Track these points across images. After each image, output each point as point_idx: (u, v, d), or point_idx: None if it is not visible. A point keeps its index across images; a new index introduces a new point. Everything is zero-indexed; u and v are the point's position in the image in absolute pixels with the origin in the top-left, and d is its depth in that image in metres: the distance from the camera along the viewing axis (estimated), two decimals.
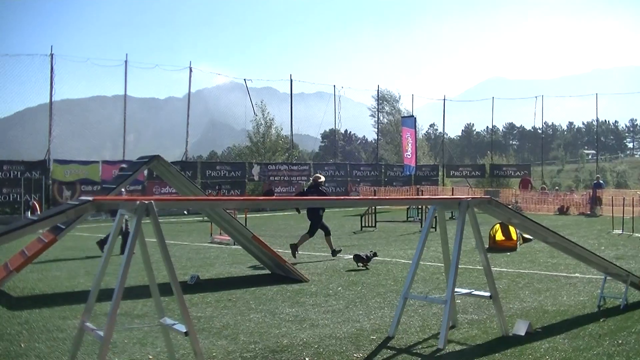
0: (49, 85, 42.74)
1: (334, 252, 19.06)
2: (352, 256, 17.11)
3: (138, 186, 41.40)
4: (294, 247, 18.71)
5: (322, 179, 20.31)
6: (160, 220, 7.06)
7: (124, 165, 21.60)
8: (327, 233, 19.32)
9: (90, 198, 6.90)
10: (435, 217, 12.98)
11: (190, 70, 49.15)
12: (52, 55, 42.42)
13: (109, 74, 49.24)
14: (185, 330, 7.04)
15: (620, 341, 8.90)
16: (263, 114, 59.42)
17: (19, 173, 38.57)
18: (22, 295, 13.00)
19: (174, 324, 7.36)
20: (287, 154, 58.37)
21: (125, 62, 45.87)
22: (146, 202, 6.88)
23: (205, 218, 25.29)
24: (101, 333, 6.72)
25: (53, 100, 43.01)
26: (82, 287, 13.76)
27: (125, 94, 46.66)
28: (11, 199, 38.53)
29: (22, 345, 8.88)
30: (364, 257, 16.33)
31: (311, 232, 19.15)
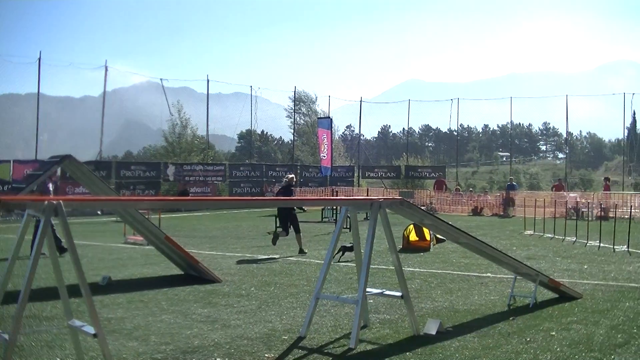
0: None
1: (302, 251, 19.59)
2: (265, 257, 17.08)
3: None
4: (300, 251, 19.60)
5: (294, 179, 22.15)
6: (73, 221, 6.98)
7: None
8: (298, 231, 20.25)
9: None
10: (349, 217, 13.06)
11: (106, 69, 48.68)
12: None
13: (22, 71, 48.45)
14: (93, 332, 6.95)
15: (528, 339, 9.07)
16: (179, 114, 59.04)
17: None
18: None
19: (83, 325, 7.27)
20: (202, 155, 58.11)
21: (39, 59, 45.17)
22: (54, 202, 6.78)
23: (119, 219, 25.08)
24: (6, 336, 6.61)
25: None
26: None
27: (38, 92, 45.93)
28: None
29: None
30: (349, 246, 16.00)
31: (286, 229, 20.42)
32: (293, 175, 20.77)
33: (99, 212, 38.52)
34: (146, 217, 15.90)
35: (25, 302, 6.73)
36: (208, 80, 54.60)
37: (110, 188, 16.23)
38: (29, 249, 7.99)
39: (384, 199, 9.71)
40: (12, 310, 9.51)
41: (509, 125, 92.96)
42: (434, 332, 9.35)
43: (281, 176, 52.92)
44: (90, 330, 7.01)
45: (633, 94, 58.89)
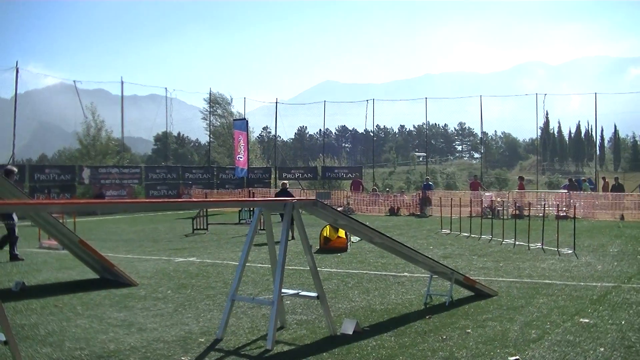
0: None
1: None
2: (182, 259, 17.00)
3: None
4: None
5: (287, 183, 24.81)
6: None
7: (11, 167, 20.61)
8: None
9: None
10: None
11: (17, 71, 47.85)
12: None
13: None
14: (4, 339, 6.84)
15: (444, 336, 9.17)
16: (93, 116, 58.34)
17: None
18: None
19: None
20: (118, 157, 57.57)
21: None
22: None
23: (33, 223, 24.72)
24: None
25: None
26: None
27: None
28: None
29: None
30: None
31: None
32: (285, 182, 22.21)
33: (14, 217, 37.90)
34: (60, 221, 15.69)
35: None
36: (122, 82, 54.19)
37: (22, 192, 15.95)
38: None
39: (297, 199, 9.73)
40: None
41: (424, 126, 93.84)
42: (350, 332, 9.38)
43: (198, 178, 53.02)
44: (1, 337, 6.89)
45: (545, 94, 59.92)
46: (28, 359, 8.16)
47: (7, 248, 19.11)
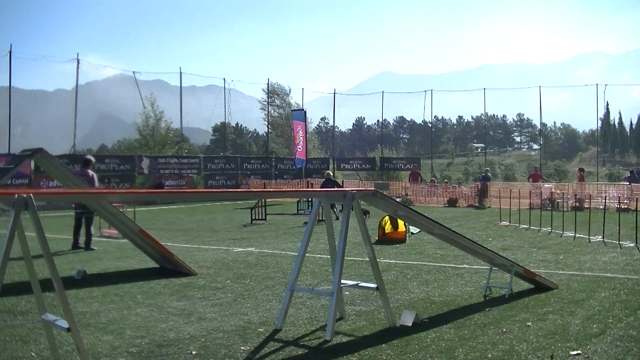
0: None
1: None
2: (240, 249, 17.07)
3: (25, 180, 40.57)
4: None
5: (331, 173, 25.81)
6: (47, 215, 6.91)
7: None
8: None
9: None
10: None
11: (78, 62, 48.40)
12: None
13: None
14: (67, 326, 6.89)
15: (504, 329, 9.04)
16: (152, 107, 58.82)
17: None
18: None
19: (56, 319, 7.20)
20: (177, 147, 57.96)
21: (10, 52, 44.83)
22: (25, 195, 6.71)
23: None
24: None
25: None
26: None
27: (10, 85, 45.57)
28: None
29: None
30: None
31: None
32: (330, 171, 22.92)
33: (73, 206, 38.36)
34: (120, 210, 15.81)
35: None
36: (181, 73, 54.60)
37: (83, 181, 16.11)
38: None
39: (357, 190, 9.67)
40: None
41: (483, 117, 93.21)
42: (409, 324, 9.31)
43: (256, 168, 53.10)
44: (64, 324, 6.95)
45: (606, 85, 59.27)
46: (90, 346, 8.21)
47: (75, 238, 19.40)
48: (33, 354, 8.08)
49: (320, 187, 28.61)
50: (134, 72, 54.00)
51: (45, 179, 40.19)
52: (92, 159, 21.62)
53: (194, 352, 8.12)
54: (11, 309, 10.67)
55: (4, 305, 10.41)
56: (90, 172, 20.04)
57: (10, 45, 47.31)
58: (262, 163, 57.46)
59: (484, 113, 76.95)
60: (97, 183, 19.85)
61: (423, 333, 8.93)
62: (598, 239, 19.87)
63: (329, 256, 14.14)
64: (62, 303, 6.99)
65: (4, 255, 6.64)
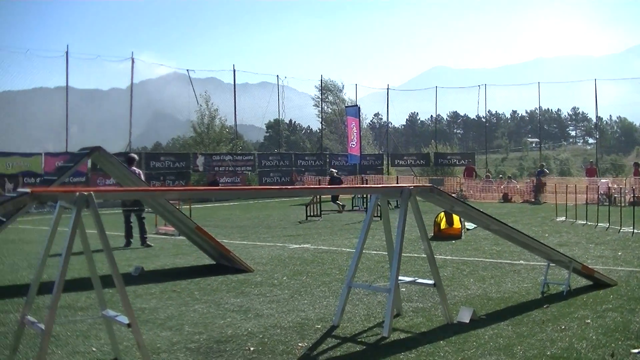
0: None
1: None
2: (296, 246, 17.12)
3: (82, 178, 41.04)
4: None
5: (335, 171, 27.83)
6: (104, 212, 6.98)
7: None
8: None
9: (28, 190, 6.80)
10: (379, 205, 13.00)
11: (132, 61, 48.80)
12: None
13: (50, 65, 48.52)
14: (127, 322, 6.96)
15: (563, 327, 8.96)
16: (207, 105, 59.15)
17: None
18: None
19: (116, 315, 7.29)
20: (231, 145, 58.21)
21: (66, 52, 45.29)
22: (85, 193, 6.79)
23: (150, 210, 25.23)
24: (42, 326, 6.62)
25: None
26: (25, 280, 13.54)
27: (67, 85, 46.04)
28: None
29: None
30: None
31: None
32: (334, 169, 23.60)
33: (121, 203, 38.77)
34: (177, 207, 15.93)
35: (59, 292, 6.73)
36: (235, 70, 54.66)
37: (140, 179, 16.26)
38: (61, 240, 7.97)
39: (414, 186, 9.64)
40: (47, 300, 9.61)
41: (537, 111, 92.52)
42: (467, 320, 9.28)
43: (310, 165, 53.12)
44: (124, 320, 7.02)
45: None
46: (149, 342, 8.28)
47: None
48: (94, 349, 8.19)
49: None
50: (187, 70, 54.25)
51: (102, 176, 40.63)
52: (136, 156, 22.04)
53: (252, 349, 8.16)
54: (71, 304, 10.80)
55: (64, 301, 10.54)
56: (136, 169, 20.30)
57: (67, 45, 47.83)
58: (316, 159, 57.50)
59: (538, 107, 76.34)
60: (143, 180, 20.19)
61: (481, 330, 8.88)
62: None
63: (384, 252, 14.14)
64: (122, 299, 7.07)
65: (66, 252, 6.73)
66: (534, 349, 7.96)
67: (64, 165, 16.11)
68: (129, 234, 19.56)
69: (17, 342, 7.31)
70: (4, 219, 13.12)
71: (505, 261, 15.08)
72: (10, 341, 8.10)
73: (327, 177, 41.07)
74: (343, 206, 32.33)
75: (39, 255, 7.25)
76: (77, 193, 6.77)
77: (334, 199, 33.19)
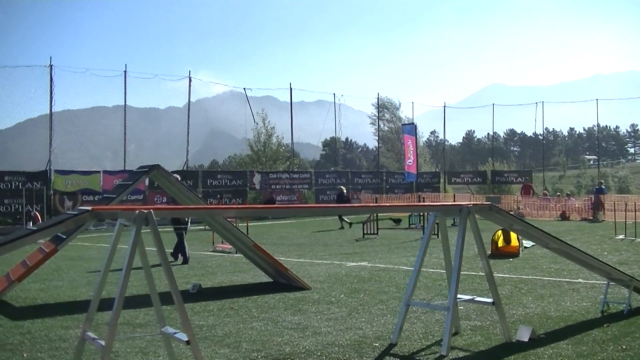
0: (48, 96, 42.78)
1: None
2: (353, 264, 17.08)
3: (139, 196, 41.44)
4: None
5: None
6: (160, 230, 7.02)
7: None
8: None
9: (88, 208, 6.87)
10: (437, 223, 12.94)
11: (190, 80, 49.19)
12: (51, 66, 42.46)
13: (109, 84, 49.08)
14: (186, 339, 7.00)
15: (624, 346, 8.83)
16: (264, 123, 59.44)
17: (20, 184, 38.75)
18: (24, 305, 12.96)
19: (176, 332, 7.32)
20: (288, 163, 58.40)
21: (125, 72, 45.79)
22: (145, 211, 6.85)
23: (207, 227, 25.34)
24: (102, 342, 6.68)
25: (53, 110, 43.01)
26: (84, 296, 13.72)
27: (125, 104, 46.52)
28: (13, 210, 38.69)
29: (25, 355, 8.85)
30: None
31: None
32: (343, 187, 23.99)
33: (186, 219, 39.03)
34: (234, 225, 16.01)
35: (119, 309, 6.79)
36: (291, 89, 54.80)
37: (198, 197, 16.37)
38: (121, 257, 8.03)
39: (473, 204, 9.58)
40: (108, 317, 9.68)
41: (595, 128, 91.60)
42: (526, 339, 9.18)
43: (367, 183, 53.10)
44: (183, 337, 7.05)
45: None
46: (207, 359, 8.33)
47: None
48: None
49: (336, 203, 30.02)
50: (244, 88, 54.53)
51: (159, 194, 40.96)
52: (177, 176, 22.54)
53: None
54: (130, 321, 10.90)
55: (123, 318, 10.62)
56: None
57: (125, 65, 48.36)
58: (373, 177, 57.49)
59: (596, 124, 75.58)
60: None
61: (540, 349, 8.78)
62: None
63: (441, 270, 14.09)
64: (181, 316, 7.12)
65: (126, 269, 6.79)
66: None
67: (123, 183, 16.31)
68: (184, 250, 19.79)
69: (78, 358, 7.37)
70: (64, 236, 13.29)
71: (564, 279, 14.93)
72: (71, 357, 8.19)
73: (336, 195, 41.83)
74: (350, 224, 33.55)
75: (100, 272, 7.32)
76: (137, 211, 6.83)
77: (341, 215, 34.74)
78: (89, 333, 7.15)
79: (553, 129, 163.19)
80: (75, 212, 6.82)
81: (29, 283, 15.01)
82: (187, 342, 7.01)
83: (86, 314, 7.44)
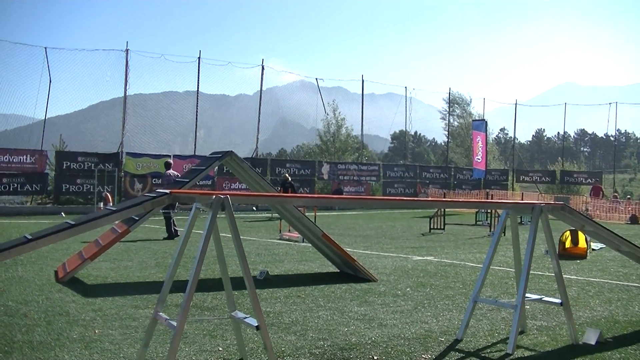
0: (123, 79, 43.38)
1: None
2: (419, 258, 17.08)
3: (208, 181, 41.82)
4: None
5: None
6: (220, 216, 7.12)
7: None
8: None
9: (167, 191, 7.00)
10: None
11: (263, 68, 49.46)
12: (127, 50, 43.03)
13: (182, 70, 49.62)
14: (256, 324, 7.08)
15: None
16: (334, 114, 59.52)
17: (92, 165, 39.42)
18: (95, 283, 13.19)
19: (246, 317, 7.41)
20: (357, 154, 58.42)
21: (199, 58, 46.23)
22: (222, 196, 6.95)
23: (274, 215, 25.48)
24: (174, 323, 6.80)
25: (127, 94, 43.60)
26: (153, 278, 13.92)
27: (197, 90, 46.98)
28: (84, 190, 39.40)
29: (97, 332, 9.02)
30: None
31: None
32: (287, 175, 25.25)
33: (254, 208, 39.34)
34: (303, 214, 16.13)
35: (192, 292, 6.90)
36: (363, 81, 54.76)
37: (270, 185, 16.49)
38: (196, 240, 8.16)
39: (545, 203, 9.55)
40: (175, 298, 9.85)
41: None
42: (593, 342, 9.11)
43: (435, 177, 53.11)
44: (253, 322, 7.14)
45: None
46: (274, 345, 8.41)
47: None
48: (220, 348, 8.37)
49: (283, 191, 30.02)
50: (316, 78, 54.66)
51: (228, 180, 41.33)
52: (171, 161, 24.39)
53: (375, 358, 8.20)
54: (199, 304, 11.05)
55: (192, 301, 10.78)
56: (173, 172, 21.93)
57: (200, 51, 48.71)
58: (442, 172, 57.39)
59: None
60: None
61: (607, 353, 8.71)
62: None
63: (507, 268, 14.03)
64: (253, 302, 7.19)
65: (201, 253, 6.90)
66: None
67: (196, 168, 16.48)
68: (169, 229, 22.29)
69: (149, 337, 7.51)
70: (137, 218, 13.52)
71: (633, 284, 14.76)
72: (141, 335, 8.36)
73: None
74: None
75: (173, 254, 7.44)
76: (214, 196, 6.94)
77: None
78: (161, 313, 7.28)
79: (625, 130, 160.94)
80: (154, 195, 6.94)
81: (100, 262, 15.30)
82: (257, 328, 7.09)
83: (157, 294, 7.58)
